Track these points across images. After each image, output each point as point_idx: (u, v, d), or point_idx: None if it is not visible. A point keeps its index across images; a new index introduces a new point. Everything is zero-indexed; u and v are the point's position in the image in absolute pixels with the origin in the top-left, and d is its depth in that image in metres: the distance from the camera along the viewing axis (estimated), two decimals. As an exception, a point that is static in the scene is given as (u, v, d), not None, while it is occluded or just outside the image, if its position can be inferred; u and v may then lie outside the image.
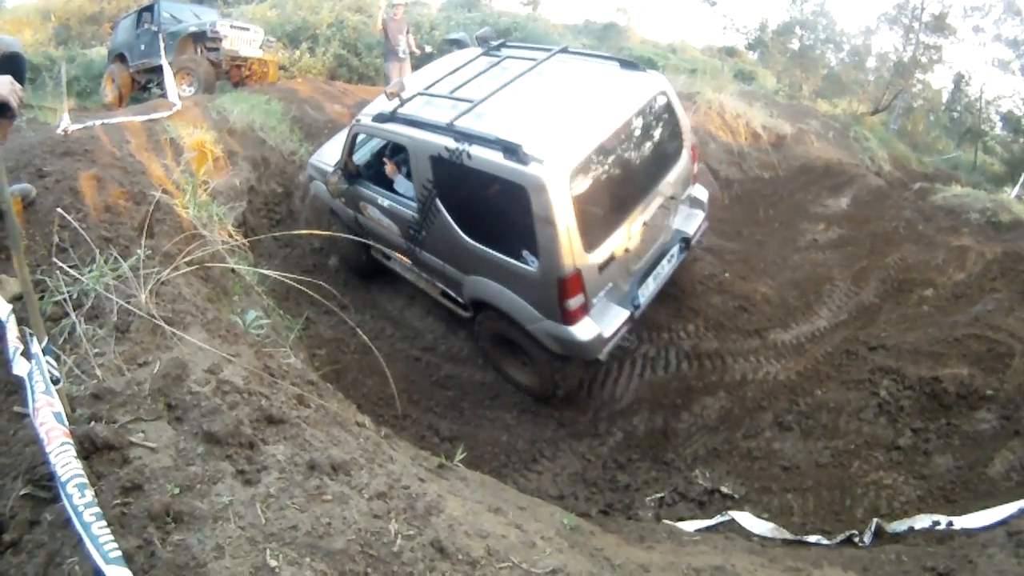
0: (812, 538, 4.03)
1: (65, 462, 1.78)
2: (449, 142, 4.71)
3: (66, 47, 17.18)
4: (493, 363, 5.97)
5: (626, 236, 4.84)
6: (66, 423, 1.96)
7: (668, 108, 5.18)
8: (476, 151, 4.55)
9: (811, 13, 19.80)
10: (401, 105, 5.25)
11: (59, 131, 5.49)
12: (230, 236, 4.89)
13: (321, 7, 16.07)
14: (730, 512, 4.42)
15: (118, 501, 1.85)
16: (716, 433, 5.38)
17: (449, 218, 5.08)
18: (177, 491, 1.94)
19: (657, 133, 5.17)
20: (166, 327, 2.66)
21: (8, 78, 2.93)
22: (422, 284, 6.11)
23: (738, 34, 21.53)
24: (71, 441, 1.88)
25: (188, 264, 3.30)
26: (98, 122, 6.30)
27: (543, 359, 5.19)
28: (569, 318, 4.65)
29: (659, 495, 4.88)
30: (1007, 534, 3.31)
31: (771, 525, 4.23)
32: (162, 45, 10.71)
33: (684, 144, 5.38)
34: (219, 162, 7.11)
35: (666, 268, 5.44)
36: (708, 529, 4.26)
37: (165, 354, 2.55)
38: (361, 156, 6.36)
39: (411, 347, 6.45)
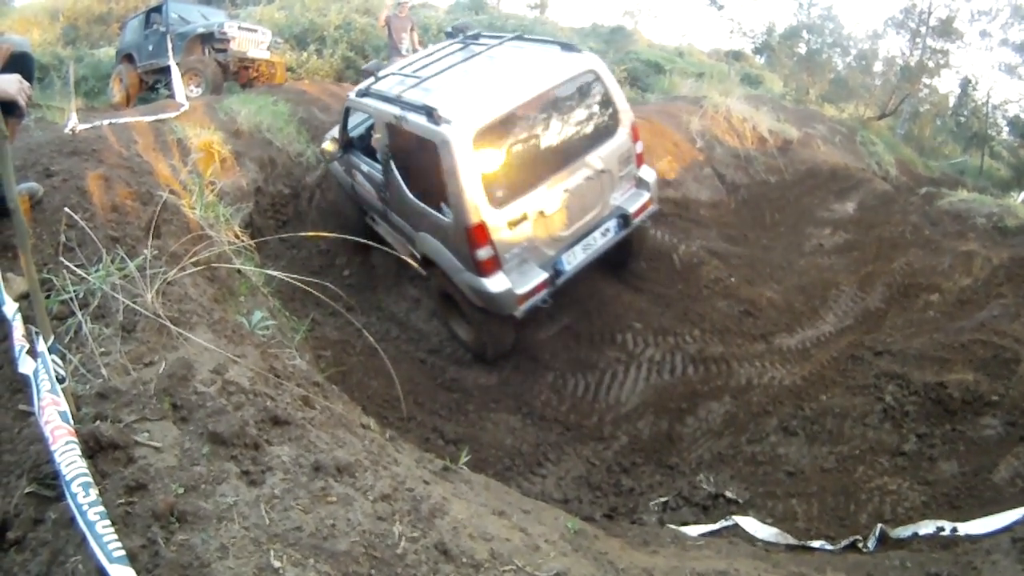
0: (816, 543, 4.00)
1: (70, 461, 1.78)
2: (396, 111, 5.42)
3: (74, 47, 17.26)
4: (441, 318, 6.52)
5: (542, 200, 5.23)
6: (71, 422, 1.96)
7: (599, 86, 5.56)
8: (411, 116, 5.22)
9: (818, 17, 19.74)
10: (375, 83, 6.14)
11: (67, 130, 5.52)
12: (237, 237, 4.90)
13: (329, 9, 16.11)
14: (734, 517, 4.41)
15: (122, 500, 1.85)
16: (721, 438, 5.37)
17: (399, 178, 5.80)
18: (182, 491, 1.94)
19: (583, 108, 5.57)
20: (172, 327, 2.67)
21: (16, 77, 2.95)
22: (398, 246, 6.42)
23: (745, 38, 21.44)
24: (76, 440, 1.88)
25: (195, 264, 3.31)
26: (106, 122, 6.33)
27: (474, 315, 5.67)
28: (481, 269, 5.11)
29: (663, 499, 4.87)
30: (1011, 540, 3.29)
31: (775, 530, 4.21)
32: (170, 46, 10.76)
33: (621, 122, 5.67)
34: (226, 163, 7.14)
35: (599, 241, 5.71)
36: (712, 534, 4.23)
37: (171, 354, 2.55)
38: (353, 129, 7.04)
39: (416, 349, 6.46)
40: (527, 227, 5.21)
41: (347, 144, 6.87)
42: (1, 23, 18.57)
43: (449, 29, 7.65)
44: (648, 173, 6.02)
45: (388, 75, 6.25)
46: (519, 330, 6.03)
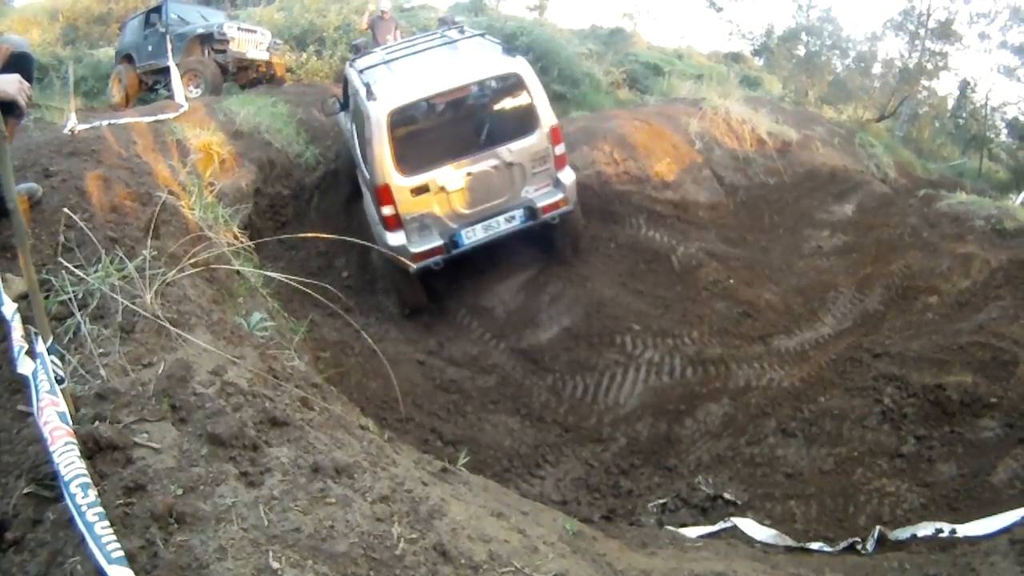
0: (815, 545, 4.01)
1: (69, 461, 1.77)
2: (360, 83, 6.24)
3: (74, 47, 17.20)
4: (377, 277, 7.54)
5: (445, 177, 6.05)
6: (70, 422, 1.95)
7: (522, 89, 6.18)
8: (361, 90, 6.10)
9: (817, 19, 19.74)
10: (358, 57, 7.20)
11: (66, 131, 5.50)
12: (236, 238, 4.90)
13: (328, 10, 16.06)
14: (733, 518, 4.41)
15: (121, 501, 1.85)
16: (719, 439, 5.38)
17: (356, 140, 6.82)
18: (180, 492, 1.94)
19: (500, 105, 6.34)
20: (171, 328, 2.67)
21: (16, 76, 2.94)
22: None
23: (744, 40, 21.48)
24: (75, 441, 1.88)
25: (193, 266, 3.31)
26: (105, 122, 6.31)
27: (388, 270, 6.71)
28: (385, 223, 6.10)
29: (662, 501, 4.87)
30: (1010, 542, 3.29)
31: (773, 532, 4.22)
32: (169, 47, 10.74)
33: (540, 124, 6.25)
34: (225, 164, 7.14)
35: (503, 226, 6.40)
36: (710, 535, 4.24)
37: (170, 355, 2.55)
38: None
39: (415, 350, 6.46)
40: (429, 198, 6.07)
41: (344, 104, 7.90)
42: (0, 23, 18.53)
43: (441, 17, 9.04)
44: (567, 175, 6.54)
45: (371, 53, 7.44)
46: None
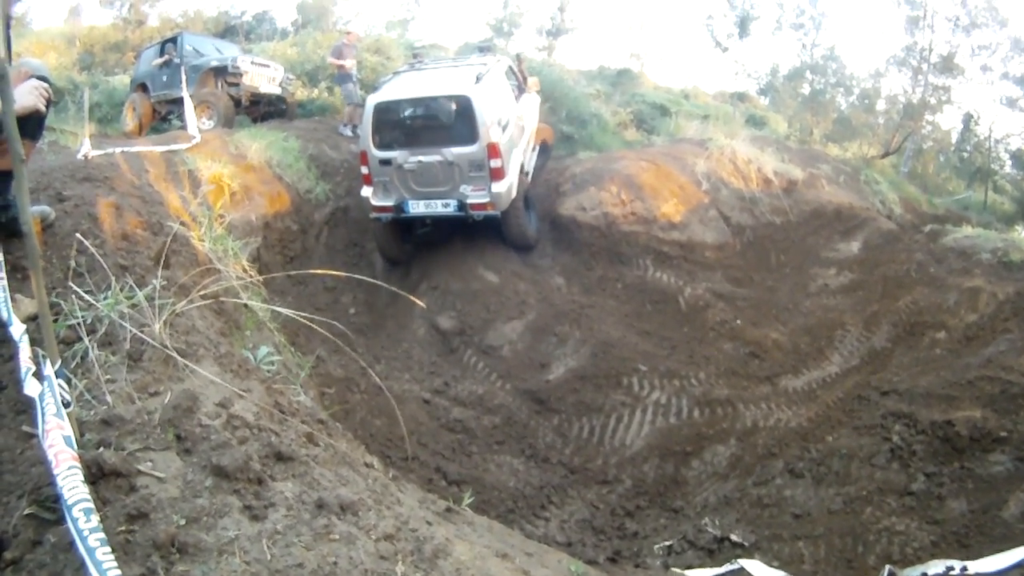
0: (824, 588, 3.93)
1: (72, 485, 1.76)
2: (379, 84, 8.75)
3: (89, 73, 17.48)
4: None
5: (402, 158, 7.92)
6: (75, 447, 1.94)
7: (469, 109, 7.68)
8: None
9: (821, 58, 19.90)
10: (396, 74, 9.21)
11: (80, 156, 5.56)
12: (244, 271, 4.92)
13: (340, 47, 16.35)
14: (740, 560, 4.32)
15: (123, 528, 1.84)
16: (726, 480, 5.30)
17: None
18: (183, 522, 1.91)
19: (452, 117, 7.91)
20: (179, 358, 2.66)
21: (31, 83, 2.91)
22: None
23: (749, 79, 21.71)
24: (79, 465, 1.86)
25: (203, 297, 3.32)
26: (118, 149, 6.39)
27: (376, 224, 8.57)
28: (363, 178, 8.25)
29: (668, 543, 4.79)
30: (1022, 577, 3.21)
31: (782, 573, 4.13)
32: (183, 78, 10.90)
33: (479, 139, 7.69)
34: (236, 196, 7.21)
35: (438, 208, 8.09)
36: (718, 577, 4.16)
37: (176, 385, 2.54)
38: None
39: (421, 389, 6.44)
40: (389, 169, 7.98)
41: None
42: (18, 45, 18.87)
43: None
44: (499, 186, 7.84)
45: (402, 68, 9.53)
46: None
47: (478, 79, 7.89)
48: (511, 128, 8.33)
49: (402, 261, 9.01)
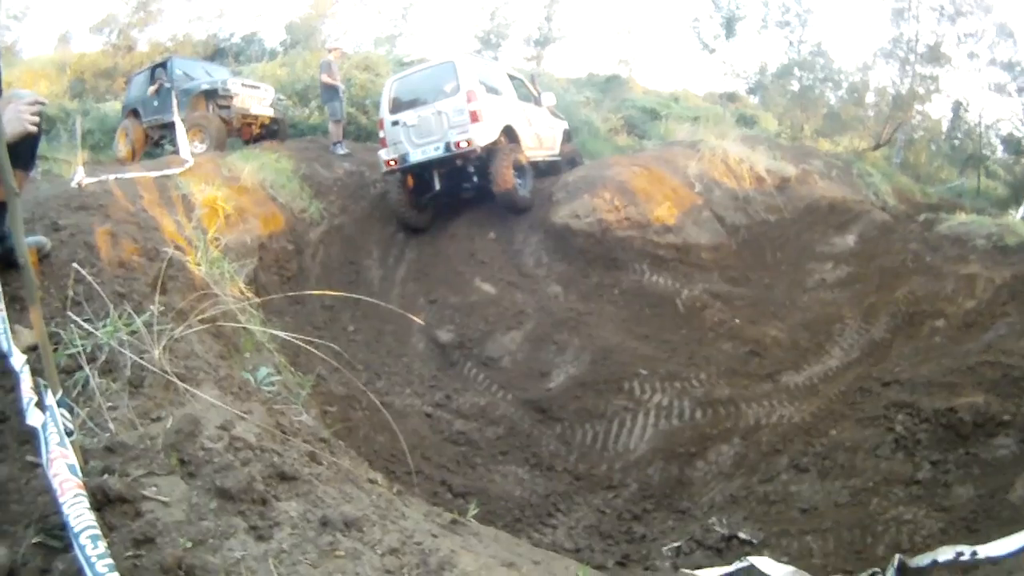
0: (834, 580, 3.92)
1: (78, 513, 1.77)
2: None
3: (81, 100, 17.52)
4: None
5: (407, 117, 9.51)
6: (79, 475, 1.95)
7: (453, 72, 9.42)
8: None
9: (809, 54, 19.93)
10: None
11: (73, 184, 5.56)
12: (241, 293, 4.93)
13: (330, 66, 16.42)
14: (749, 558, 4.31)
15: (130, 553, 1.85)
16: (732, 479, 5.31)
17: None
18: (189, 545, 1.93)
19: (442, 80, 9.51)
20: (179, 383, 2.68)
21: (15, 104, 2.72)
22: None
23: (738, 79, 21.72)
24: (84, 493, 1.88)
25: (201, 322, 3.33)
26: (112, 176, 6.39)
27: (390, 180, 9.91)
28: (380, 143, 9.82)
29: (676, 544, 4.79)
30: (1033, 558, 3.21)
31: (791, 568, 4.11)
32: (175, 102, 10.94)
33: (460, 91, 9.26)
34: (230, 219, 7.22)
35: (430, 153, 9.32)
36: (727, 576, 4.15)
37: (178, 410, 2.56)
38: None
39: (422, 403, 6.45)
40: (400, 128, 9.54)
41: None
42: (9, 74, 18.85)
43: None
44: (476, 128, 9.10)
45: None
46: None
47: (459, 56, 9.98)
48: (503, 98, 10.11)
49: (420, 228, 10.07)
